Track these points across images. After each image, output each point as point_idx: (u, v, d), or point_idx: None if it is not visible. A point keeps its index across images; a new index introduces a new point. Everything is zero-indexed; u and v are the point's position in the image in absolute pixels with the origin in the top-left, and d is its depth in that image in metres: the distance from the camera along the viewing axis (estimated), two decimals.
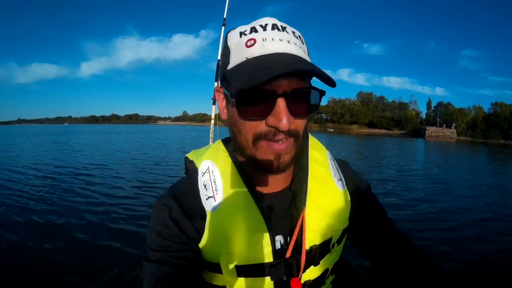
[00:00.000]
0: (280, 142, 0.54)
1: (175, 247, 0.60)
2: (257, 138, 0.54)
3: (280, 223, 0.63)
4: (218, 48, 3.15)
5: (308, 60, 0.56)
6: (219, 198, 0.61)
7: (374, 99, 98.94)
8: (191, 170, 0.68)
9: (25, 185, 6.78)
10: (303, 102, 0.54)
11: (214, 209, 0.60)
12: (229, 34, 0.59)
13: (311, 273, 0.65)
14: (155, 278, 0.58)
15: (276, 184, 0.66)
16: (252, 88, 0.48)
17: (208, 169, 0.64)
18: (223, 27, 3.50)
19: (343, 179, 0.72)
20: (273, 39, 0.53)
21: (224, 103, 0.61)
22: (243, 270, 0.60)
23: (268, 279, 0.60)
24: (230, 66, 0.55)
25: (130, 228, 4.04)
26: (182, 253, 0.61)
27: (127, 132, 43.56)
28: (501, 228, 4.67)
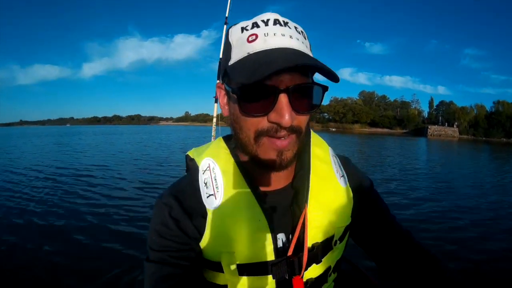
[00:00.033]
0: (282, 138, 0.53)
1: (175, 246, 0.60)
2: (259, 134, 0.53)
3: (282, 221, 0.62)
4: (220, 48, 3.15)
5: (311, 55, 0.56)
6: (219, 196, 0.60)
7: (376, 98, 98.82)
8: (192, 168, 0.67)
9: (26, 186, 6.80)
10: (305, 98, 0.54)
11: (215, 207, 0.59)
12: (230, 30, 0.58)
13: (313, 271, 0.64)
14: (155, 278, 0.58)
15: (278, 181, 0.65)
16: (254, 84, 0.47)
17: (208, 166, 0.64)
18: (225, 26, 3.51)
19: (345, 175, 0.71)
20: (275, 34, 0.53)
21: (225, 100, 0.60)
22: (244, 269, 0.59)
23: (270, 278, 0.59)
24: (231, 62, 0.55)
25: (132, 229, 4.03)
26: (182, 252, 0.60)
27: (129, 133, 43.72)
28: (506, 226, 4.65)
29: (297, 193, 0.64)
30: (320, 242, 0.63)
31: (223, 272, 0.61)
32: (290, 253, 0.59)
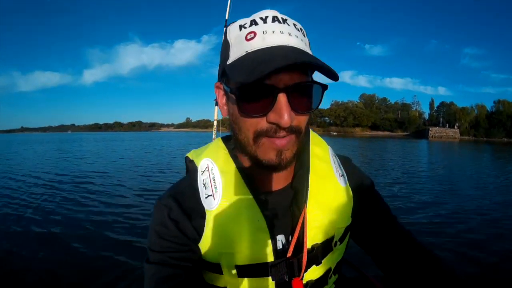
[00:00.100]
0: (282, 137, 0.53)
1: (175, 248, 0.59)
2: (258, 135, 0.53)
3: (281, 222, 0.61)
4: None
5: (310, 53, 0.55)
6: (218, 197, 0.59)
7: (377, 101, 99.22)
8: (191, 169, 0.67)
9: (24, 192, 6.77)
10: (305, 97, 0.53)
11: (214, 207, 0.59)
12: (229, 28, 0.58)
13: (313, 273, 0.63)
14: (155, 280, 0.57)
15: (277, 181, 0.64)
16: (252, 83, 0.46)
17: (207, 167, 0.63)
18: (225, 29, 3.51)
19: (345, 175, 0.71)
20: (274, 31, 0.52)
21: (224, 100, 0.60)
22: (244, 270, 0.59)
23: (269, 279, 0.59)
24: (229, 61, 0.54)
25: (131, 236, 3.96)
26: (182, 254, 0.60)
27: (130, 140, 43.78)
28: None
29: (296, 194, 0.64)
30: (320, 243, 0.62)
31: (222, 273, 0.60)
32: (289, 254, 0.58)
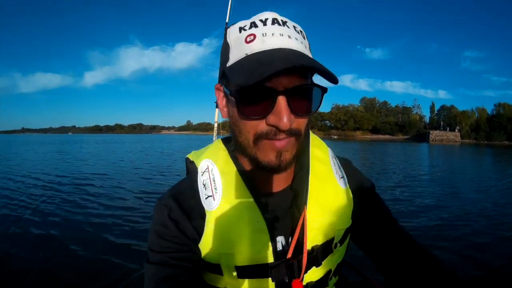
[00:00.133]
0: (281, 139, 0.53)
1: (175, 248, 0.59)
2: (258, 137, 0.53)
3: (281, 223, 0.61)
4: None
5: (310, 55, 0.55)
6: (218, 198, 0.59)
7: (377, 105, 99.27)
8: (191, 170, 0.67)
9: (23, 194, 6.76)
10: (304, 100, 0.53)
11: (213, 208, 0.59)
12: (228, 30, 0.58)
13: (313, 274, 0.63)
14: (155, 280, 0.57)
15: (277, 183, 0.64)
16: (252, 86, 0.47)
17: (207, 168, 0.63)
18: (225, 31, 3.51)
19: (345, 177, 0.71)
20: (273, 34, 0.52)
21: (224, 102, 0.60)
22: (243, 271, 0.59)
23: (269, 281, 0.58)
24: (229, 63, 0.54)
25: (131, 238, 3.95)
26: (182, 254, 0.60)
27: (130, 142, 43.82)
28: None
29: (296, 195, 0.64)
30: (320, 245, 0.62)
31: (222, 274, 0.61)
32: (289, 255, 0.58)
